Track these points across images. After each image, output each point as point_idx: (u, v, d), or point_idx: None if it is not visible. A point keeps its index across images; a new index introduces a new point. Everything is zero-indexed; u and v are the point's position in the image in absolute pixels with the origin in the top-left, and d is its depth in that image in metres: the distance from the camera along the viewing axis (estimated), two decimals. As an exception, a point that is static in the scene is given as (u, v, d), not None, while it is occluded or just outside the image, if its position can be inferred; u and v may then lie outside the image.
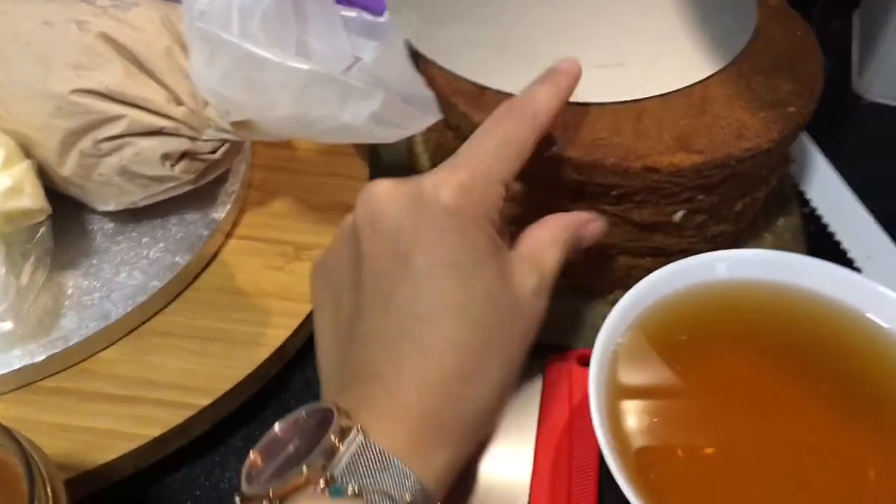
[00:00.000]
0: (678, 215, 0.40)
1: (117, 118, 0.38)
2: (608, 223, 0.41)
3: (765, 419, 0.37)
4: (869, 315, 0.38)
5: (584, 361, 0.42)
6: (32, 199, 0.37)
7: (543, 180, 0.40)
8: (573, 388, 0.41)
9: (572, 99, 0.38)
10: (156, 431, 0.36)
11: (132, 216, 0.42)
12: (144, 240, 0.42)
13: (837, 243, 0.47)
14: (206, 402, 0.37)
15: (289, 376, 0.42)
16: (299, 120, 0.32)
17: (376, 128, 0.29)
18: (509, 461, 0.39)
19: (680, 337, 0.39)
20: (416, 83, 0.32)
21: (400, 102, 0.29)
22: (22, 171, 0.37)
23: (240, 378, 0.38)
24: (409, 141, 0.49)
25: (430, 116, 0.30)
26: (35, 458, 0.28)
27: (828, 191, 0.50)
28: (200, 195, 0.43)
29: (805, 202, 0.50)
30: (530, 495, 0.37)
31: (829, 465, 0.35)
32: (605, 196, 0.39)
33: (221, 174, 0.44)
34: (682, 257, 0.44)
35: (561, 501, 0.37)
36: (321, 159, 0.48)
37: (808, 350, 0.38)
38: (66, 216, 0.42)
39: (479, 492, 0.38)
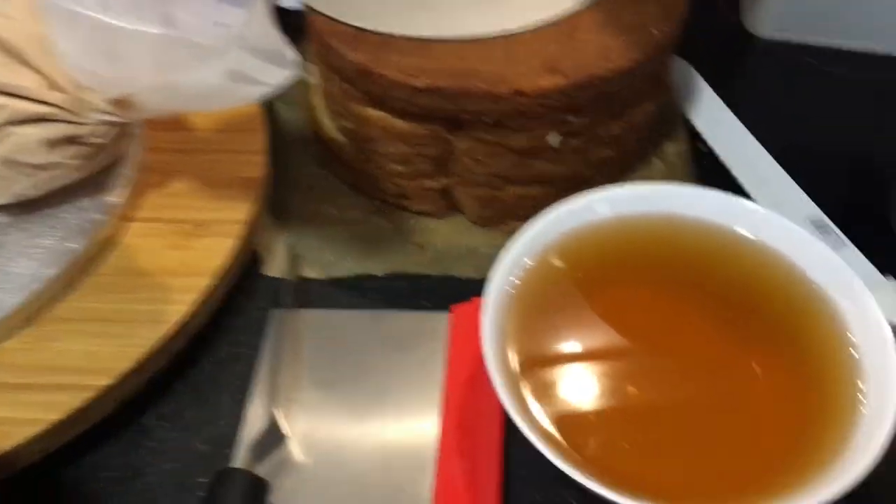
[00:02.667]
0: (553, 139, 0.41)
1: (-7, 108, 0.38)
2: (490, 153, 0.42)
3: (665, 346, 0.38)
4: (740, 229, 0.39)
5: (489, 309, 0.42)
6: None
7: (422, 114, 0.41)
8: (477, 335, 0.42)
9: (446, 34, 0.40)
10: (57, 415, 0.36)
11: (24, 208, 0.42)
12: (38, 229, 0.41)
13: (733, 178, 0.48)
14: (107, 382, 0.37)
15: (197, 354, 0.42)
16: (165, 89, 0.32)
17: (236, 85, 0.30)
18: (415, 415, 0.39)
19: (576, 275, 0.40)
20: (276, 41, 0.32)
21: (252, 58, 0.29)
22: None
23: (141, 356, 0.38)
24: (306, 96, 0.50)
25: (288, 70, 0.30)
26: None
27: (719, 125, 0.51)
28: (95, 182, 0.43)
29: (699, 138, 0.51)
30: (438, 450, 0.38)
31: (724, 372, 0.36)
32: (480, 124, 0.41)
33: (116, 160, 0.44)
34: (569, 185, 0.45)
35: (468, 454, 0.38)
36: (217, 137, 0.48)
37: (697, 275, 0.39)
38: (-44, 213, 0.41)
39: (385, 450, 0.38)
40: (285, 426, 0.39)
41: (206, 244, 0.43)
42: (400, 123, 0.43)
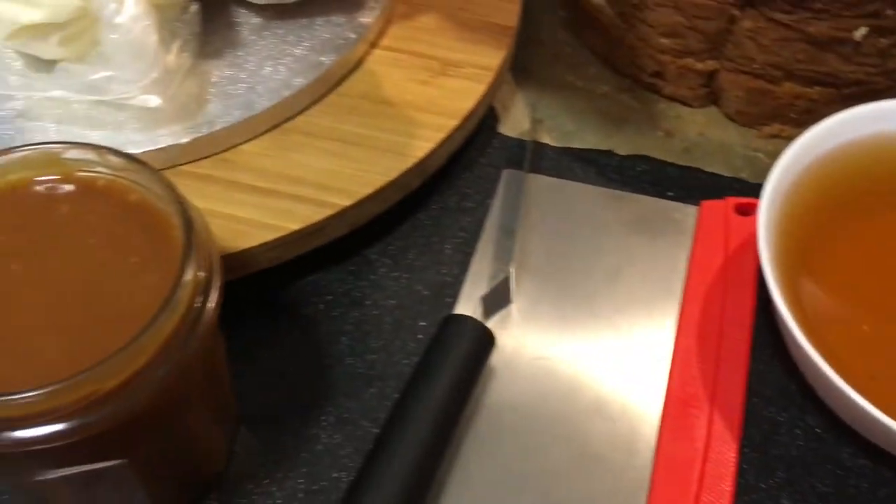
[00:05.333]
0: (860, 32, 0.36)
1: None
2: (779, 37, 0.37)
3: None
4: None
5: (742, 210, 0.39)
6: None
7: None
8: (729, 236, 0.38)
9: None
10: (295, 225, 0.35)
11: (278, 14, 0.40)
12: (290, 37, 0.40)
13: None
14: (346, 202, 0.35)
15: (427, 196, 0.40)
16: None
17: None
18: (650, 306, 0.36)
19: (860, 188, 0.36)
20: None
21: None
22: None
23: (381, 184, 0.36)
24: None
25: None
26: (188, 206, 0.27)
27: None
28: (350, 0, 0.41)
29: None
30: (675, 350, 0.35)
31: None
32: (778, 1, 0.36)
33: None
34: (855, 90, 0.40)
35: (710, 362, 0.34)
36: (473, -23, 0.44)
37: None
38: (211, 7, 0.40)
39: (615, 335, 0.36)
40: (514, 287, 0.36)
41: (454, 85, 0.40)
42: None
